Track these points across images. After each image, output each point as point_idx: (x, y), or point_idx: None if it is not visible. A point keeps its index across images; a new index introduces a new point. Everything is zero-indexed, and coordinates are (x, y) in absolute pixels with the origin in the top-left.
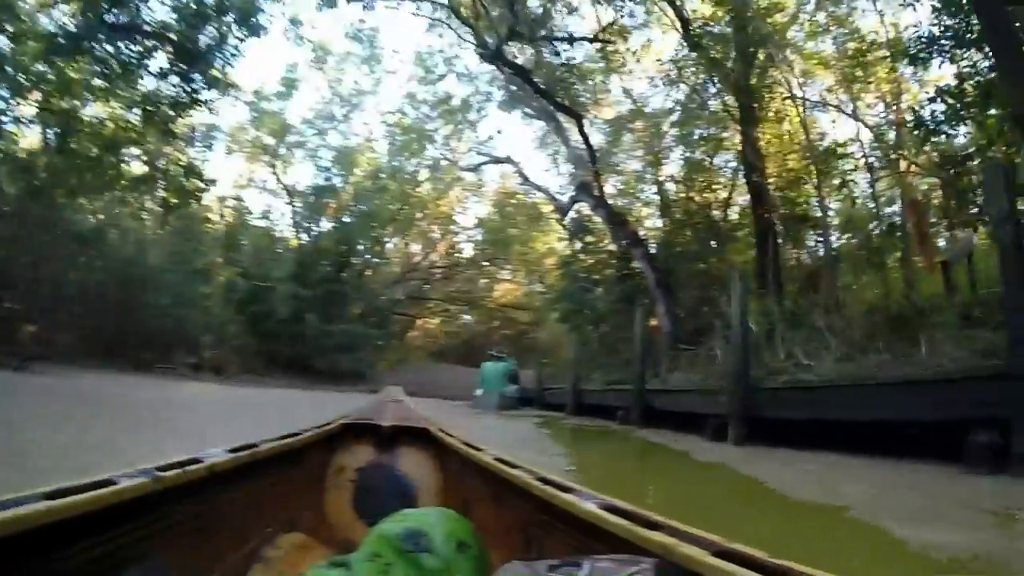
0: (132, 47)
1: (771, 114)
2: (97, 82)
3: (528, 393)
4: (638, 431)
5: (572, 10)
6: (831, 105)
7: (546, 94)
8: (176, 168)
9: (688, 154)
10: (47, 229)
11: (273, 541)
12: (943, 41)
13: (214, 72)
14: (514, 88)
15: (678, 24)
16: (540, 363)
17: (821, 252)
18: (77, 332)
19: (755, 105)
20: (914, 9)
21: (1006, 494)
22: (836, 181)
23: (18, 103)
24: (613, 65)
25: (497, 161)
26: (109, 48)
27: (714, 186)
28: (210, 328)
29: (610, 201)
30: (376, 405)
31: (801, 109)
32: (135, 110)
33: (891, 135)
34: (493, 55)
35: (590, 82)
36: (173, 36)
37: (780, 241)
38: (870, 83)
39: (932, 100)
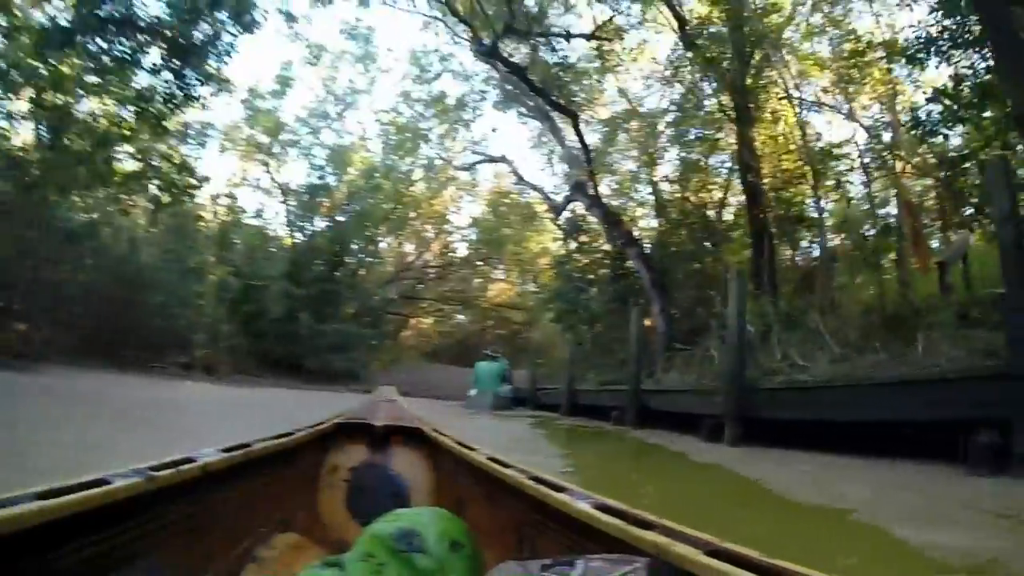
0: (125, 42)
1: (767, 114)
2: (90, 78)
3: (522, 393)
4: (633, 432)
5: (569, 7)
6: (827, 106)
7: (542, 92)
8: (169, 165)
9: (683, 154)
10: (39, 226)
11: (267, 541)
12: (940, 42)
13: (208, 68)
14: (509, 87)
15: (674, 23)
16: (534, 363)
17: (816, 253)
18: (64, 329)
19: (751, 105)
20: (911, 9)
21: (1007, 495)
22: (831, 182)
23: (10, 99)
24: (609, 64)
25: (492, 160)
26: (102, 43)
27: (709, 186)
28: (203, 327)
29: (605, 201)
30: (369, 405)
31: (797, 109)
32: (128, 107)
33: (886, 136)
34: (489, 51)
35: (585, 82)
36: (167, 31)
37: (775, 242)
38: (866, 84)
39: (930, 101)
